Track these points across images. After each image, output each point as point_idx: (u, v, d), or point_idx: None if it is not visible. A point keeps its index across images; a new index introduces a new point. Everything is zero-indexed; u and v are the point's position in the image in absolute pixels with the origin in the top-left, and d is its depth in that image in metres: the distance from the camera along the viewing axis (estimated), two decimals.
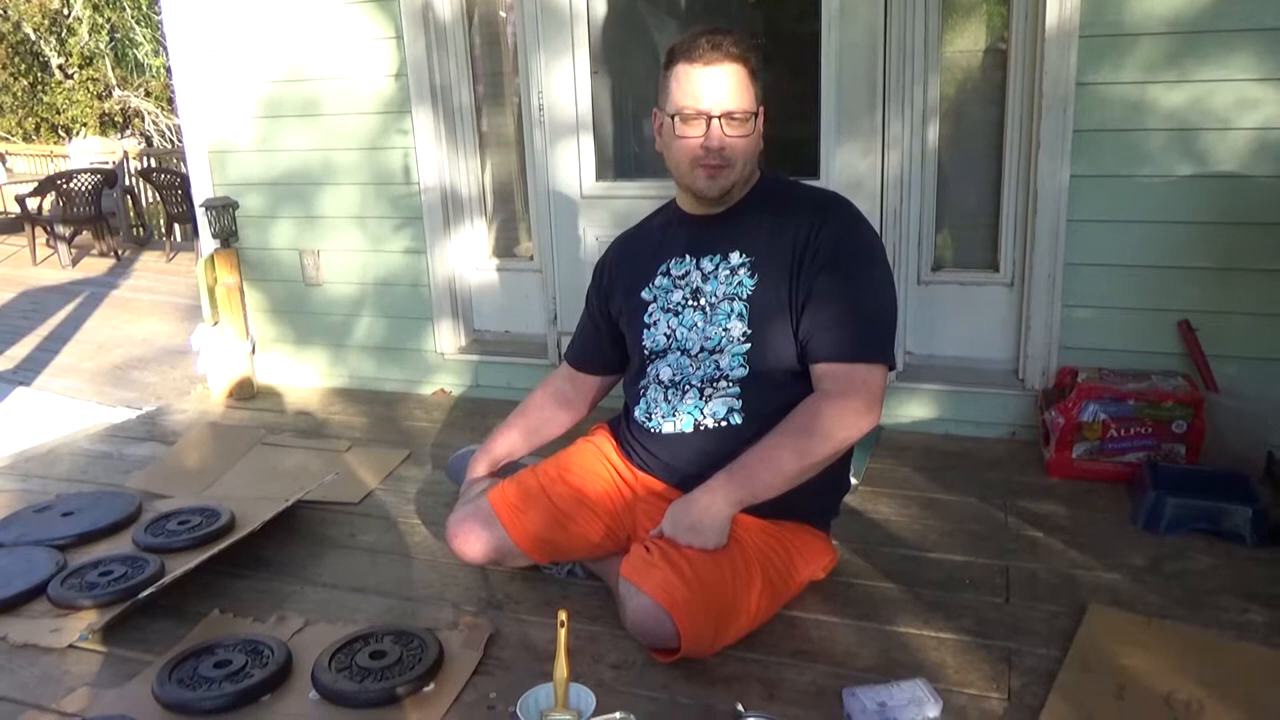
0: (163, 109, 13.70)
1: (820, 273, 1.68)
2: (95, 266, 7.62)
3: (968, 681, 1.60)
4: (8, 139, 13.10)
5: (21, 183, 8.82)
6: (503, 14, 3.16)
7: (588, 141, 3.01)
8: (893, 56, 2.60)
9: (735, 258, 1.75)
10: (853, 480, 2.36)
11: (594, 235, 3.05)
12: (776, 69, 3.13)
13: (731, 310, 1.72)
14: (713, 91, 1.64)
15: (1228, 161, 2.37)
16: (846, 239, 1.71)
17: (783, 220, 1.73)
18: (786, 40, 3.11)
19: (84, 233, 7.98)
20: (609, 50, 3.01)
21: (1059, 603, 1.83)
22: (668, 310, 1.80)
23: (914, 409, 2.79)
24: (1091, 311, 2.58)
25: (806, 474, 1.65)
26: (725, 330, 1.73)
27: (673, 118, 1.68)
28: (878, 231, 2.68)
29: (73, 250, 7.76)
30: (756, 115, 1.69)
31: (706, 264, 1.77)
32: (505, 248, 3.40)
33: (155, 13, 12.61)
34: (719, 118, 1.65)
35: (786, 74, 3.10)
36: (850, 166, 2.72)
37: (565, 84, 2.96)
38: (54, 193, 7.71)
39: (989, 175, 2.74)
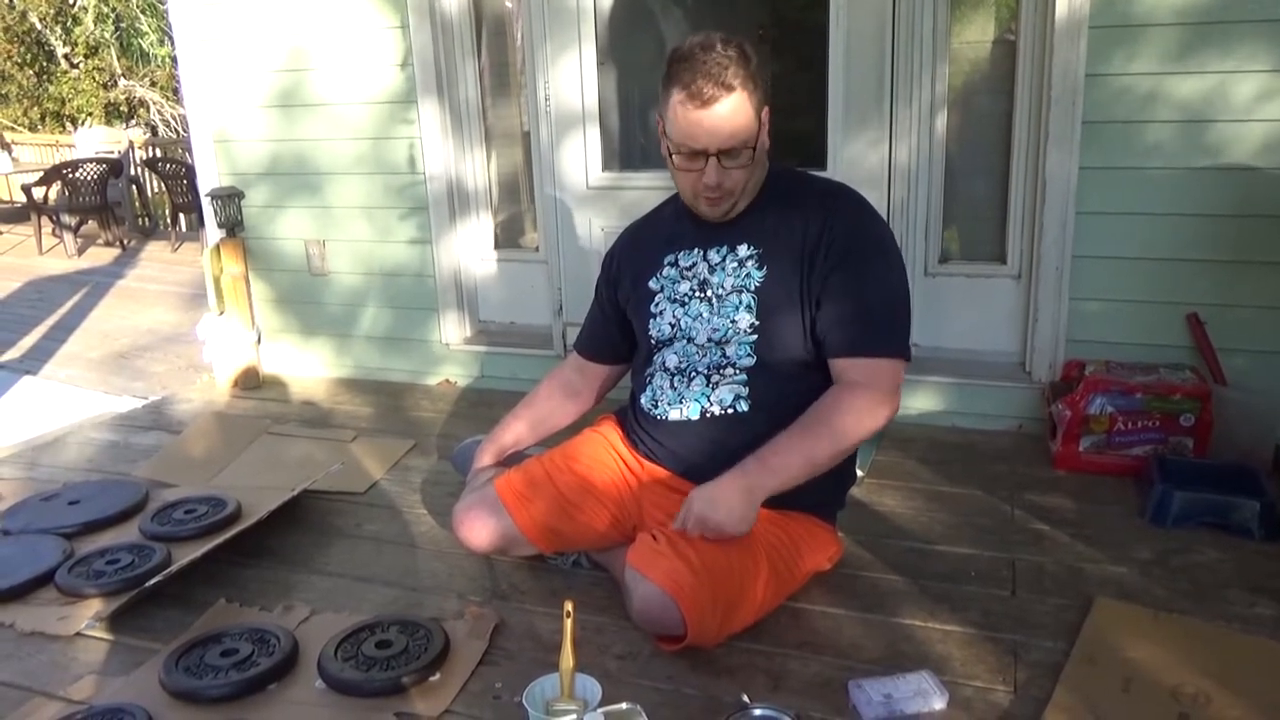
0: (168, 99, 13.69)
1: (835, 268, 1.67)
2: (101, 256, 7.62)
3: (973, 674, 1.60)
4: (14, 128, 13.10)
5: (27, 172, 8.82)
6: (509, 4, 3.15)
7: (594, 133, 3.00)
8: (901, 47, 2.58)
9: (743, 250, 1.74)
10: (858, 472, 2.36)
11: (600, 226, 3.05)
12: (784, 60, 3.12)
13: (740, 302, 1.72)
14: (707, 133, 1.60)
15: (1238, 154, 2.36)
16: (858, 232, 1.71)
17: (791, 213, 1.73)
18: (794, 30, 3.10)
19: (89, 222, 7.97)
20: (616, 41, 3.00)
21: (1065, 596, 1.83)
22: (674, 301, 1.80)
23: (920, 401, 2.78)
24: (1099, 304, 2.57)
25: (833, 462, 1.66)
26: (733, 322, 1.72)
27: (670, 151, 1.67)
28: (885, 223, 2.68)
29: (78, 240, 7.76)
30: (759, 131, 1.65)
31: (714, 255, 1.77)
32: (511, 239, 3.39)
33: (160, 2, 12.59)
34: (715, 155, 1.62)
35: (794, 65, 3.09)
36: (858, 158, 2.71)
37: (572, 75, 2.96)
38: (60, 182, 7.72)
39: (997, 167, 2.73)
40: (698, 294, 1.77)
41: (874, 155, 2.69)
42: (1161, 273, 2.49)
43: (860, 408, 1.65)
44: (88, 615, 1.85)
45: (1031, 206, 2.63)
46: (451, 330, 3.31)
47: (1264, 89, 2.30)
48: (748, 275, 1.72)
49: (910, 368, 2.74)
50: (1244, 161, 2.35)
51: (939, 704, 1.50)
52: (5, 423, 3.60)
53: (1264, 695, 1.50)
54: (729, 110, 1.59)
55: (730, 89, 1.58)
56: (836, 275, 1.67)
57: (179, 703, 1.58)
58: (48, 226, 7.95)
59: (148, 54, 14.21)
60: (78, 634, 1.81)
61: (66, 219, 7.70)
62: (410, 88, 3.09)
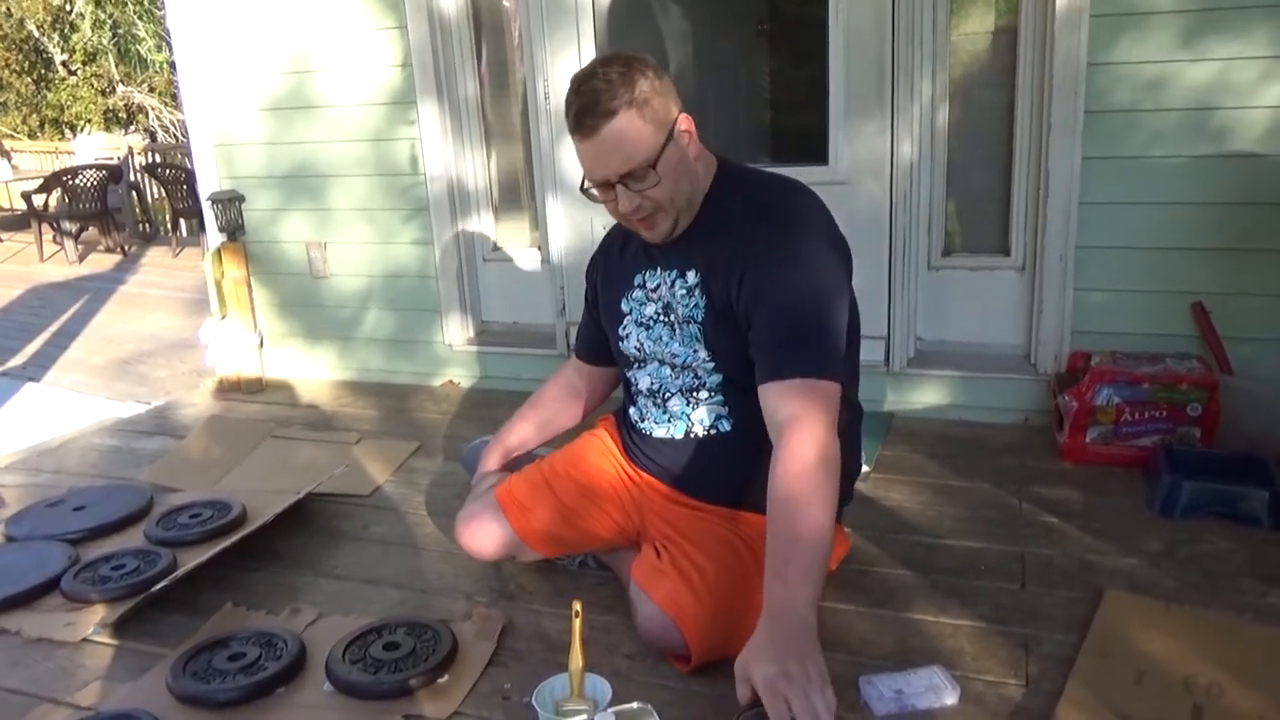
0: (166, 104, 13.68)
1: (754, 288, 1.56)
2: (102, 262, 7.62)
3: (985, 668, 1.59)
4: (13, 136, 13.10)
5: (27, 179, 8.82)
6: (507, 3, 3.14)
7: None
8: (901, 40, 2.57)
9: (691, 277, 1.66)
10: (864, 467, 2.35)
11: (601, 225, 3.03)
12: (783, 54, 3.11)
13: (691, 333, 1.66)
14: (601, 162, 1.53)
15: (1242, 141, 2.35)
16: (776, 245, 1.56)
17: (724, 233, 1.63)
18: (792, 25, 3.09)
19: (90, 229, 7.97)
20: (615, 39, 2.98)
21: (1075, 588, 1.82)
22: (640, 324, 1.75)
23: (925, 395, 2.77)
24: (1104, 294, 2.56)
25: (831, 526, 1.47)
26: (694, 351, 1.67)
27: (585, 182, 1.60)
28: (888, 216, 2.68)
29: (79, 246, 7.76)
30: (666, 145, 1.53)
31: (669, 278, 1.70)
32: (512, 238, 3.38)
33: (157, 8, 12.58)
34: (618, 183, 1.54)
35: (793, 59, 3.08)
36: (859, 152, 2.70)
37: (571, 73, 2.93)
38: (60, 189, 7.71)
39: (999, 158, 2.72)
40: (662, 318, 1.71)
41: (876, 149, 2.68)
42: (1166, 262, 2.48)
43: (818, 447, 1.44)
44: (94, 621, 1.85)
45: (1034, 197, 2.62)
46: (454, 331, 3.31)
47: (1267, 74, 2.28)
48: (695, 305, 1.65)
49: (915, 361, 2.79)
50: (1248, 149, 2.34)
51: (951, 699, 1.49)
52: (9, 429, 3.60)
53: (1278, 685, 1.49)
54: (616, 135, 1.50)
55: (611, 114, 1.49)
56: (757, 296, 1.56)
57: (186, 707, 1.58)
58: (48, 234, 7.95)
59: (145, 60, 14.21)
60: (84, 640, 1.81)
61: (67, 226, 7.70)
62: (409, 88, 3.08)
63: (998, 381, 2.70)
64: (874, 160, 2.69)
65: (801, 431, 1.46)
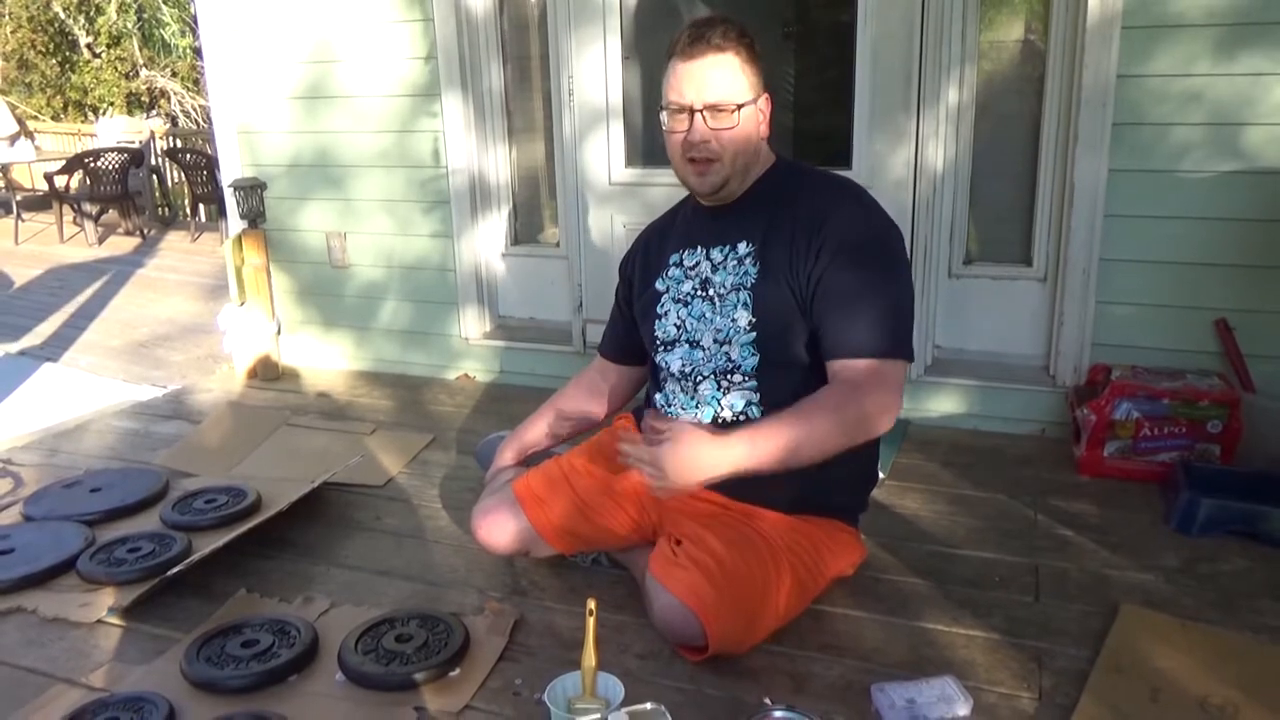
0: (188, 89, 13.75)
1: (830, 266, 1.62)
2: (121, 245, 7.66)
3: (998, 680, 1.58)
4: (37, 118, 13.17)
5: (49, 160, 8.85)
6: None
7: (618, 128, 2.99)
8: (929, 47, 2.56)
9: (743, 247, 1.71)
10: (879, 474, 2.34)
11: (622, 223, 3.03)
12: (809, 58, 3.10)
13: (738, 300, 1.69)
14: (694, 85, 1.61)
15: (1271, 157, 2.32)
16: (854, 228, 1.65)
17: (788, 209, 1.69)
18: (819, 29, 3.08)
19: (110, 211, 8.00)
20: (641, 35, 2.98)
21: (1090, 603, 1.81)
22: (678, 301, 1.77)
23: (942, 403, 2.76)
24: (1126, 308, 2.54)
25: (820, 459, 1.57)
26: (733, 321, 1.69)
27: (662, 112, 1.67)
28: (910, 223, 2.66)
29: (99, 229, 7.80)
30: (752, 104, 1.64)
31: (716, 254, 1.74)
32: (532, 234, 3.39)
33: None
34: (701, 111, 1.61)
35: (819, 63, 3.07)
36: (883, 157, 2.69)
37: (596, 69, 2.94)
38: (81, 171, 7.75)
39: (1024, 168, 2.70)
40: (700, 293, 1.74)
41: (900, 155, 2.67)
42: (1190, 277, 2.46)
43: (876, 405, 1.59)
44: (108, 603, 1.86)
45: (1059, 208, 2.60)
46: (471, 325, 3.31)
47: None
48: (745, 272, 1.69)
49: (932, 369, 2.78)
50: (1276, 165, 2.32)
51: (963, 710, 1.48)
52: (27, 409, 3.62)
53: None
54: (722, 67, 1.61)
55: (721, 49, 1.60)
56: (831, 274, 1.62)
57: (200, 692, 1.59)
58: (69, 215, 7.99)
59: (169, 45, 14.27)
60: (99, 621, 1.82)
61: (87, 208, 7.74)
62: (434, 81, 3.08)
63: (1015, 392, 2.69)
64: (897, 165, 2.67)
65: (866, 390, 1.57)
